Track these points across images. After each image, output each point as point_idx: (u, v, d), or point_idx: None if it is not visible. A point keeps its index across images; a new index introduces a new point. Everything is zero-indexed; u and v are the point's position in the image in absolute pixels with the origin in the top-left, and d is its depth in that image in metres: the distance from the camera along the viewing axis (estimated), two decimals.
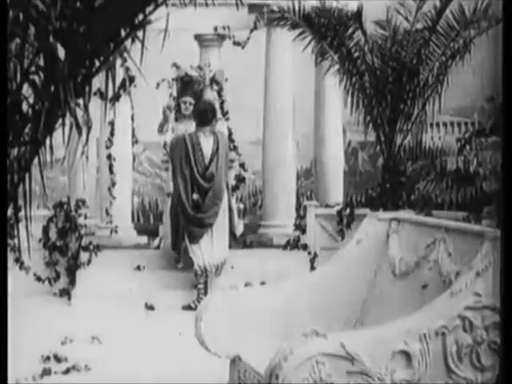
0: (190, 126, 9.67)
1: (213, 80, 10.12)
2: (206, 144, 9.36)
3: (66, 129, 3.54)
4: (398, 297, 5.02)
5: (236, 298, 5.14)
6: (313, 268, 9.90)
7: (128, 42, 3.52)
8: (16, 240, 9.35)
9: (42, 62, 3.42)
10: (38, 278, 10.17)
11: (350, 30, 10.14)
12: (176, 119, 10.06)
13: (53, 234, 10.26)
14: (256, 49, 11.50)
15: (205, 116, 9.40)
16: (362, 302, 5.29)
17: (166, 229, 10.04)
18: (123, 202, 10.69)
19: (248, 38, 11.54)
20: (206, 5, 3.73)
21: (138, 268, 9.82)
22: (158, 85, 10.24)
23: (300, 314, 5.11)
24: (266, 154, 11.18)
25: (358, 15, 10.11)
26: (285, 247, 10.42)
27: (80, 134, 3.52)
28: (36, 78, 3.43)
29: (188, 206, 9.33)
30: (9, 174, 3.40)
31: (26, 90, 3.45)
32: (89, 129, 3.54)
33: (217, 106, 10.04)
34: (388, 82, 10.12)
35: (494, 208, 9.68)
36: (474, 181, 11.29)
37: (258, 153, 11.64)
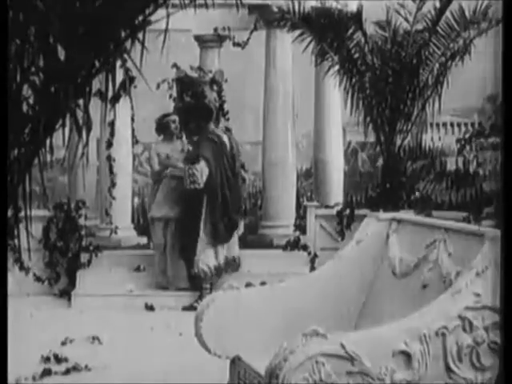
0: (177, 146, 9.73)
1: (213, 81, 10.11)
2: (227, 141, 9.53)
3: (66, 129, 3.55)
4: (398, 297, 5.02)
5: (236, 298, 5.15)
6: (313, 268, 9.90)
7: (128, 43, 3.53)
8: (16, 240, 9.31)
9: (42, 63, 3.43)
10: (38, 279, 10.18)
11: (350, 31, 10.14)
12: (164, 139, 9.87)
13: (53, 235, 10.27)
14: (256, 50, 11.50)
15: (208, 110, 9.49)
16: (362, 302, 5.30)
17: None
18: (123, 202, 10.67)
19: (248, 39, 11.54)
20: (206, 6, 3.73)
21: (138, 268, 9.81)
22: (159, 86, 10.23)
23: (300, 314, 5.11)
24: (266, 155, 11.18)
25: (357, 16, 10.11)
26: (285, 248, 10.41)
27: (80, 134, 3.52)
28: (36, 78, 3.43)
29: (236, 210, 9.44)
30: (9, 174, 3.40)
31: (26, 90, 3.45)
32: (89, 129, 3.54)
33: (217, 106, 10.03)
34: (388, 82, 10.13)
35: (494, 208, 9.69)
36: (474, 181, 11.29)
37: (258, 153, 11.64)
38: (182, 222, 9.42)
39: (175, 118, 9.81)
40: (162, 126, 9.83)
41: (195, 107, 9.73)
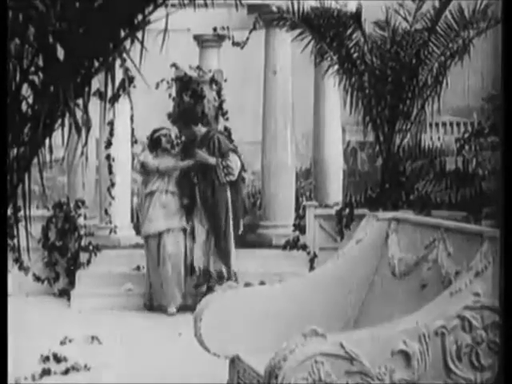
0: (170, 162, 9.33)
1: (212, 80, 10.10)
2: None
3: (66, 129, 3.55)
4: (398, 297, 5.02)
5: (235, 297, 5.15)
6: (312, 268, 9.91)
7: (127, 43, 3.53)
8: (15, 240, 9.32)
9: (41, 63, 3.43)
10: (38, 278, 10.18)
11: (350, 31, 10.14)
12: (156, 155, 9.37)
13: (52, 235, 10.27)
14: (255, 49, 11.50)
15: (195, 113, 9.52)
16: (361, 302, 5.30)
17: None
18: (122, 202, 10.68)
19: (247, 39, 11.55)
20: (206, 5, 3.74)
21: (138, 268, 9.81)
22: (158, 85, 10.23)
23: (299, 313, 5.11)
24: (266, 155, 11.18)
25: (357, 16, 10.12)
26: (284, 247, 10.42)
27: (79, 134, 3.52)
28: (35, 78, 3.43)
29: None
30: (8, 174, 3.40)
31: (26, 90, 3.45)
32: (88, 129, 3.54)
33: (216, 105, 10.03)
34: (387, 82, 10.13)
35: (494, 208, 9.69)
36: (474, 181, 11.29)
37: (258, 153, 11.64)
38: (213, 227, 9.24)
39: (166, 131, 9.48)
40: (153, 143, 9.40)
41: (183, 111, 9.68)
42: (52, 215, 10.29)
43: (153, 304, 9.29)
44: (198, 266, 9.18)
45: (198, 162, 9.20)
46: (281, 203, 11.06)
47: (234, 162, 9.21)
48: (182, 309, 9.02)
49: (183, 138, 9.79)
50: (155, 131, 9.49)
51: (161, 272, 9.20)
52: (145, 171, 9.41)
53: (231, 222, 9.21)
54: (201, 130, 9.40)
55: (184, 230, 9.25)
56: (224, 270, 9.16)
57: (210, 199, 9.19)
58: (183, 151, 9.42)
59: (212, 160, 9.17)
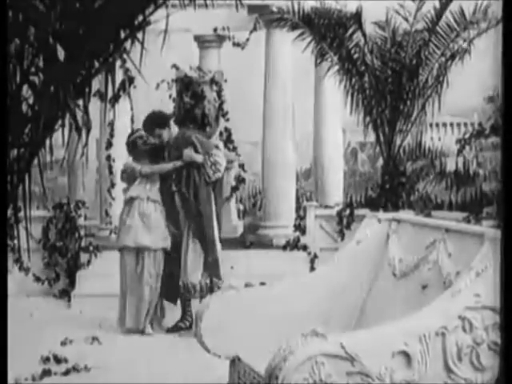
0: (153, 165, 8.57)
1: (212, 81, 10.09)
2: None
3: (66, 130, 3.55)
4: (398, 297, 5.02)
5: (236, 298, 5.14)
6: (313, 268, 9.91)
7: (128, 43, 3.53)
8: (16, 241, 9.35)
9: (41, 63, 3.43)
10: (38, 279, 10.18)
11: (350, 31, 10.15)
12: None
13: (52, 235, 10.27)
14: (256, 50, 11.50)
15: (163, 117, 9.03)
16: (361, 303, 5.30)
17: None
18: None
19: (248, 39, 11.56)
20: (206, 6, 3.74)
21: None
22: (158, 86, 10.23)
23: (300, 314, 5.11)
24: (266, 155, 11.18)
25: (357, 16, 10.12)
26: (285, 248, 10.42)
27: (80, 134, 3.52)
28: (36, 78, 3.43)
29: None
30: (8, 174, 3.40)
31: (26, 90, 3.45)
32: (88, 130, 3.55)
33: (216, 106, 10.00)
34: (388, 82, 10.13)
35: (494, 208, 9.69)
36: (474, 181, 11.30)
37: (258, 153, 11.65)
38: (199, 238, 8.48)
39: (142, 133, 8.62)
40: (130, 146, 8.63)
41: (150, 115, 9.14)
42: (52, 216, 10.30)
43: (129, 327, 8.28)
44: (187, 283, 8.44)
45: (186, 163, 8.53)
46: (281, 204, 11.06)
47: (220, 157, 8.62)
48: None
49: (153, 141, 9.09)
50: (132, 133, 8.84)
51: (139, 293, 8.34)
52: (128, 177, 8.61)
53: (217, 230, 8.60)
54: (170, 132, 8.82)
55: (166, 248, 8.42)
56: (214, 281, 8.67)
57: (193, 208, 8.52)
58: (152, 155, 8.62)
59: (199, 158, 8.55)
